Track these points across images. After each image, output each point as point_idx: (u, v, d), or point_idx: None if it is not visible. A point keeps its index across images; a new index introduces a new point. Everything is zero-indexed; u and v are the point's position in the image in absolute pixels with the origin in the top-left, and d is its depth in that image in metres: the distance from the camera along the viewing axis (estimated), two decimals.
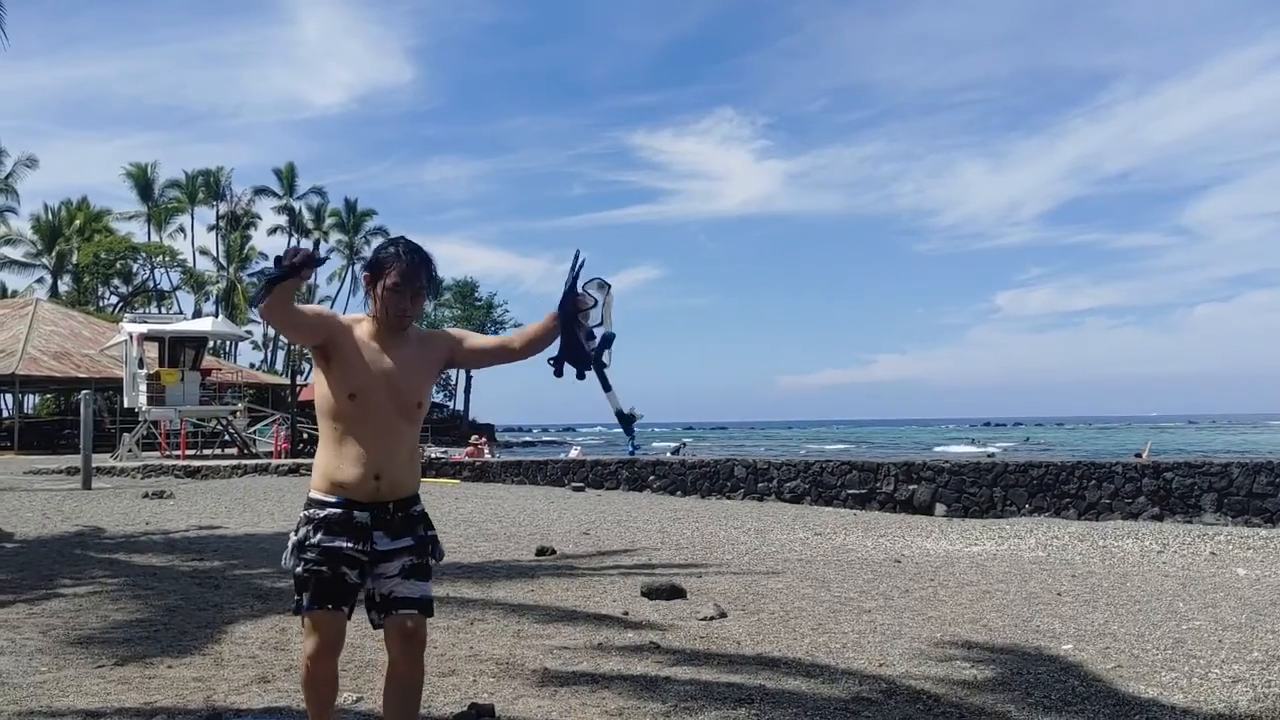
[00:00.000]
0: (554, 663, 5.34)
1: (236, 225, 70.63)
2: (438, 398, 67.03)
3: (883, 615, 7.00)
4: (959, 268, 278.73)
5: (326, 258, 3.00)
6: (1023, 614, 7.13)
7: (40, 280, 63.23)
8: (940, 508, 20.09)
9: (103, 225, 64.01)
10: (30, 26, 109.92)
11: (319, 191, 74.93)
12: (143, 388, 29.19)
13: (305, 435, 31.81)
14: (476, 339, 3.45)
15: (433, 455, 26.34)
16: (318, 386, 3.23)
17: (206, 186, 70.06)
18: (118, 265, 61.98)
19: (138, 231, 67.27)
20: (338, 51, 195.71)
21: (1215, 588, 8.56)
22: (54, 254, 62.71)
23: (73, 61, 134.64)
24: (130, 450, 28.49)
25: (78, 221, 62.96)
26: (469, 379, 69.19)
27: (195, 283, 66.89)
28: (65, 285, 62.78)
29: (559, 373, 3.36)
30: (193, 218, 71.07)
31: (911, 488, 20.59)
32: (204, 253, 70.89)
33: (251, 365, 57.17)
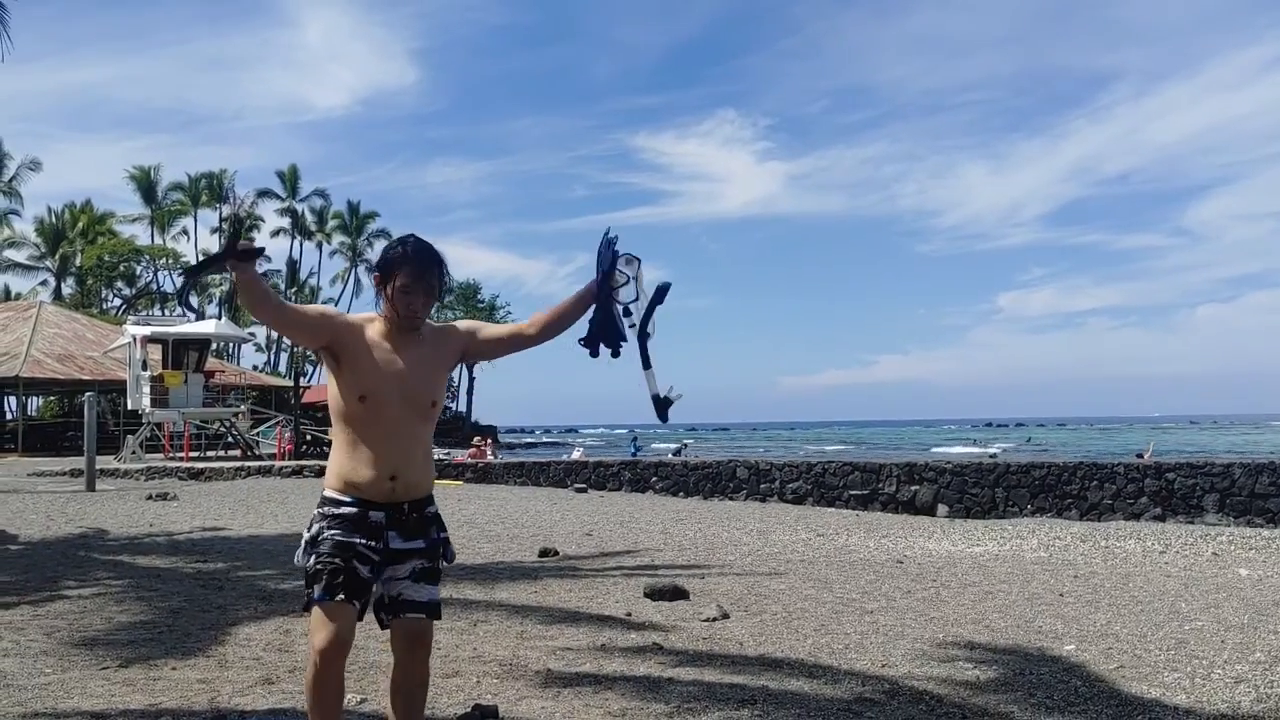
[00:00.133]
0: (557, 664, 5.35)
1: (239, 227, 70.64)
2: None
3: (885, 616, 7.00)
4: (961, 269, 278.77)
5: (260, 249, 2.94)
6: (1025, 615, 7.13)
7: (44, 283, 63.44)
8: (942, 508, 20.09)
9: (106, 228, 64.16)
10: (33, 29, 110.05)
11: (322, 194, 75.06)
12: (146, 390, 29.22)
13: (309, 437, 31.84)
14: (490, 329, 3.43)
15: (435, 456, 26.36)
16: (330, 389, 3.19)
17: (209, 189, 70.16)
18: (121, 268, 62.09)
19: (141, 234, 67.45)
20: (341, 54, 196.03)
21: (1218, 588, 8.56)
22: (58, 257, 62.85)
23: (76, 64, 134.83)
24: (134, 452, 28.53)
25: (81, 224, 63.11)
26: (471, 381, 69.22)
27: (198, 285, 66.98)
28: (69, 288, 62.94)
29: (595, 353, 3.32)
30: (196, 220, 71.19)
31: (914, 488, 20.60)
32: (206, 255, 70.91)
33: (255, 367, 57.27)
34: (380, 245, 4.06)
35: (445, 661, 5.28)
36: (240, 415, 32.53)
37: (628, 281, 3.32)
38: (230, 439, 32.83)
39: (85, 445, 20.56)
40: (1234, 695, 4.88)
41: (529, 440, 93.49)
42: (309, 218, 74.46)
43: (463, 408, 71.08)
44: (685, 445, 52.98)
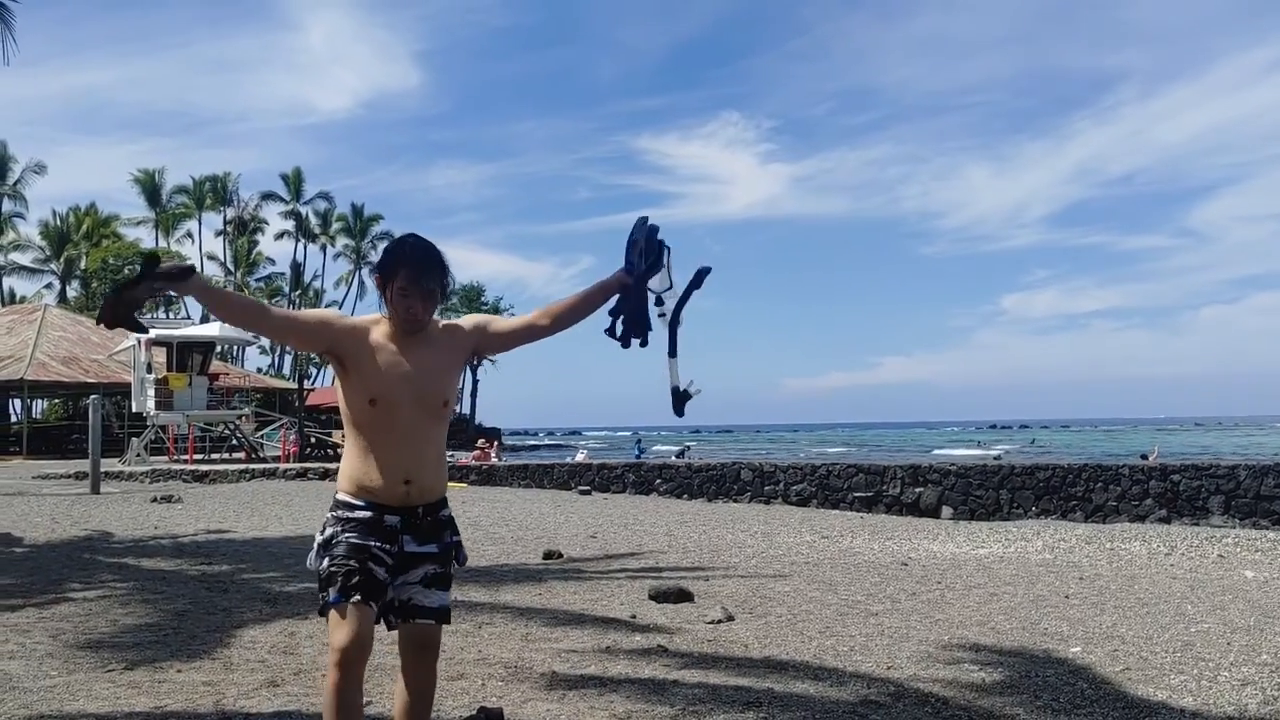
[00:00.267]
0: (562, 666, 5.34)
1: (244, 230, 70.81)
2: None
3: (890, 618, 6.99)
4: (965, 270, 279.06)
5: (188, 267, 2.94)
6: (1030, 616, 7.11)
7: (49, 286, 63.60)
8: (947, 510, 20.07)
9: (111, 231, 64.25)
10: (39, 33, 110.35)
11: (326, 196, 75.21)
12: (151, 392, 29.27)
13: (313, 439, 31.88)
14: (501, 322, 3.37)
15: None
16: (339, 393, 3.13)
17: (214, 192, 70.28)
18: (126, 270, 62.06)
19: (145, 237, 67.56)
20: (344, 57, 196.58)
21: (1223, 590, 8.54)
22: (62, 259, 62.99)
23: (81, 68, 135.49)
24: (138, 455, 28.57)
25: (86, 227, 63.23)
26: (475, 383, 69.23)
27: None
28: (74, 291, 62.99)
29: (627, 343, 3.30)
30: (200, 223, 71.42)
31: (918, 490, 20.58)
32: (211, 258, 71.10)
33: (259, 370, 57.33)
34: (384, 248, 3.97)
35: (450, 664, 5.27)
36: (245, 418, 32.57)
37: (660, 269, 3.29)
38: (235, 441, 32.87)
39: (90, 448, 20.59)
40: (1241, 698, 4.86)
41: (532, 443, 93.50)
42: (313, 220, 74.64)
43: (466, 410, 71.11)
44: (688, 447, 53.00)
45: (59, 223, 64.12)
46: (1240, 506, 18.38)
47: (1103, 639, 6.29)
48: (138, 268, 2.96)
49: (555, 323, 3.28)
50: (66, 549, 10.58)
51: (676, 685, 4.94)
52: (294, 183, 73.63)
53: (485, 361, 64.44)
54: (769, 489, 21.75)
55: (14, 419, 44.80)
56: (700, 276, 3.36)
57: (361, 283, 73.09)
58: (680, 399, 3.40)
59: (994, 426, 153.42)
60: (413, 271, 3.02)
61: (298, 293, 74.62)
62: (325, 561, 3.00)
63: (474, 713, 4.33)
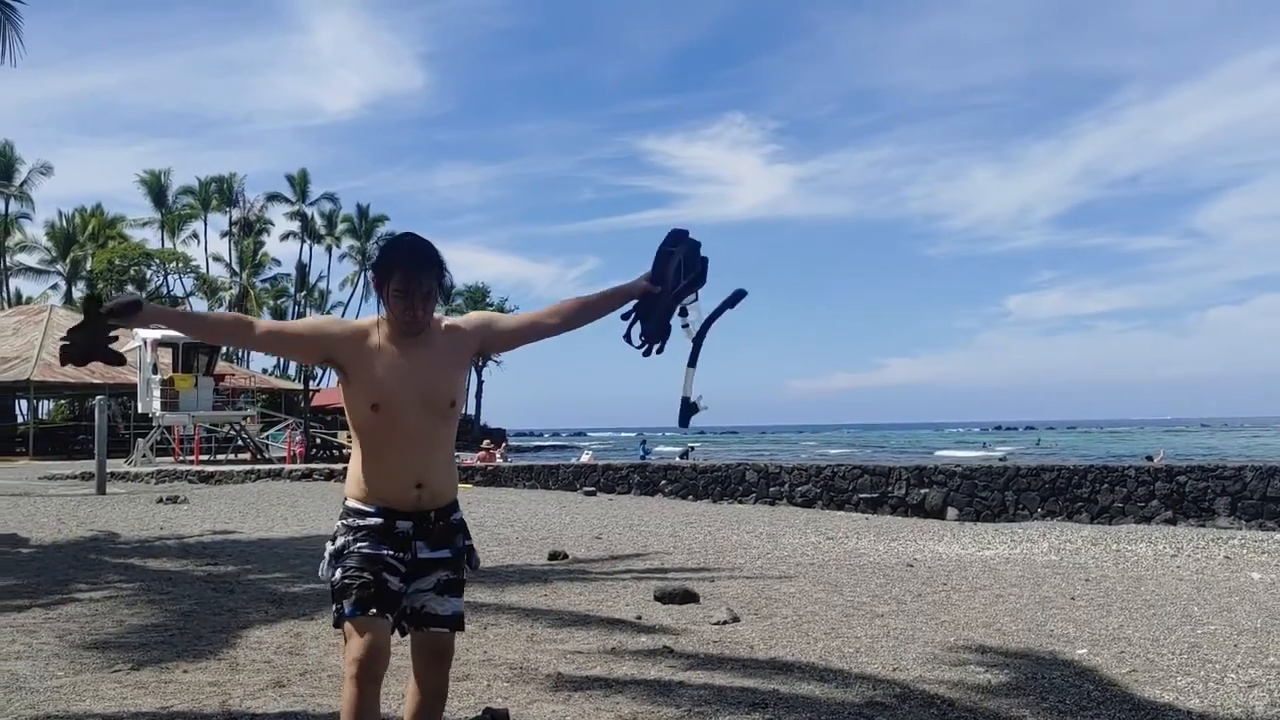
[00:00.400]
0: (567, 667, 5.34)
1: (249, 231, 70.93)
2: None
3: (896, 619, 6.98)
4: (970, 271, 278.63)
5: (131, 301, 2.88)
6: (1036, 618, 7.10)
7: (55, 286, 63.86)
8: (952, 511, 20.03)
9: (116, 232, 64.45)
10: (45, 34, 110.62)
11: (331, 197, 75.31)
12: (157, 393, 29.33)
13: (318, 440, 31.92)
14: (506, 320, 3.31)
15: None
16: (344, 399, 3.06)
17: (220, 193, 70.40)
18: (131, 271, 62.23)
19: (151, 238, 67.80)
20: (350, 58, 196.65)
21: (1230, 592, 8.52)
22: (68, 260, 63.19)
23: (87, 69, 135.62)
24: (144, 455, 28.63)
25: (92, 228, 63.42)
26: (480, 384, 69.26)
27: (208, 289, 67.21)
28: (80, 291, 63.11)
29: (648, 352, 3.29)
30: (206, 224, 71.56)
31: (923, 491, 20.53)
32: (217, 259, 71.28)
33: (264, 371, 57.36)
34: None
35: (456, 665, 5.22)
36: (250, 419, 32.62)
37: (702, 284, 3.30)
38: (240, 442, 32.93)
39: (96, 449, 20.65)
40: (1248, 700, 4.85)
41: (537, 443, 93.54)
42: (318, 221, 74.73)
43: (471, 410, 71.16)
44: (692, 448, 52.94)
45: (65, 224, 64.36)
46: (1247, 508, 18.31)
47: (1109, 641, 6.28)
48: (81, 314, 2.92)
49: (565, 322, 3.22)
50: (73, 549, 10.60)
51: (682, 686, 4.94)
52: (299, 184, 73.73)
53: (490, 362, 64.54)
54: (774, 490, 21.72)
55: (20, 420, 44.91)
56: (736, 298, 3.38)
57: (367, 284, 73.02)
58: (688, 409, 3.41)
59: (999, 428, 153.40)
60: (409, 271, 2.92)
61: (303, 294, 74.76)
62: (338, 573, 2.92)
63: (480, 713, 4.34)
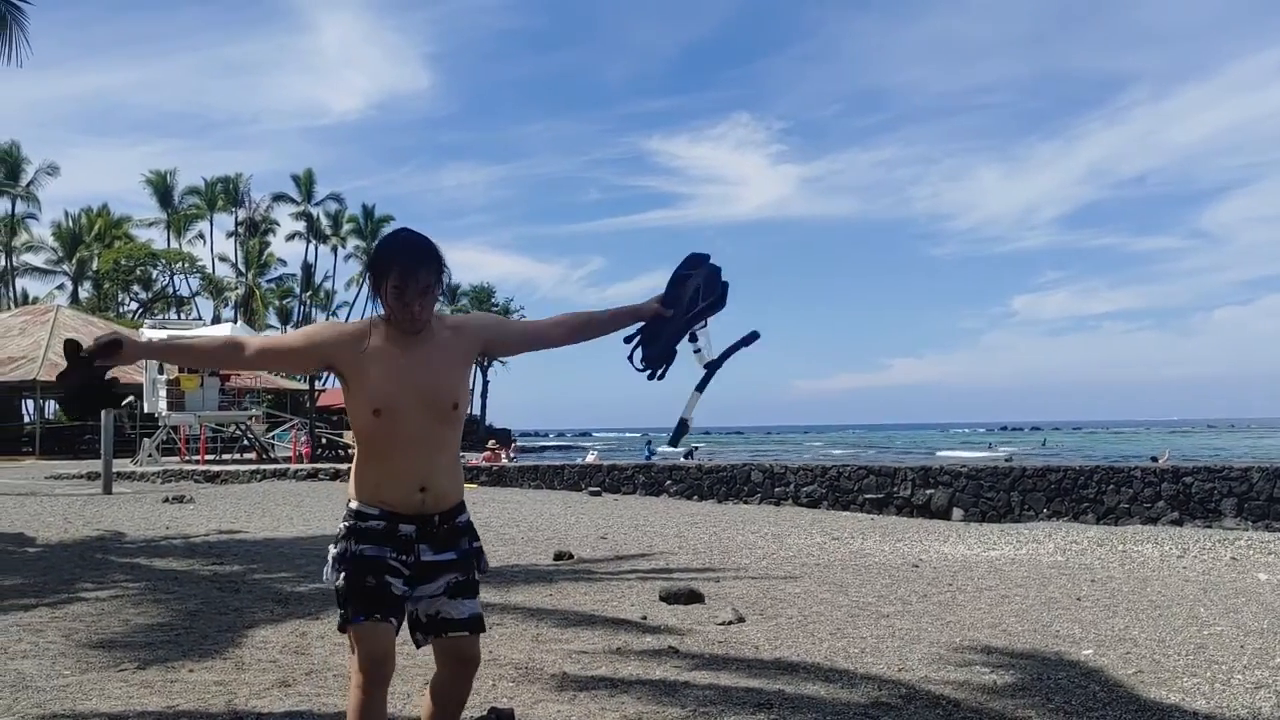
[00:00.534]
0: (573, 667, 5.34)
1: (255, 231, 71.08)
2: None
3: (901, 620, 6.98)
4: (975, 272, 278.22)
5: (111, 341, 2.82)
6: (1042, 619, 7.09)
7: (61, 287, 64.00)
8: (958, 512, 20.00)
9: (123, 232, 64.62)
10: (52, 35, 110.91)
11: (337, 198, 75.46)
12: (162, 393, 29.39)
13: (324, 440, 31.96)
14: (512, 326, 3.30)
15: None
16: (345, 403, 3.00)
17: (225, 193, 70.54)
18: (137, 271, 62.48)
19: (157, 238, 67.97)
20: (356, 59, 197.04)
21: (1236, 593, 8.50)
22: (75, 261, 63.35)
23: (93, 70, 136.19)
24: (150, 455, 28.70)
25: (98, 228, 63.58)
26: (485, 384, 69.33)
27: (214, 289, 67.39)
28: (86, 291, 63.41)
29: (652, 375, 3.31)
30: (211, 224, 71.72)
31: (929, 492, 20.51)
32: (223, 259, 71.46)
33: (270, 371, 57.44)
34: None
35: None
36: (256, 419, 32.67)
37: (721, 309, 3.32)
38: (246, 442, 32.99)
39: (102, 448, 20.70)
40: (1254, 701, 4.84)
41: (542, 444, 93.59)
42: (324, 221, 74.89)
43: (477, 411, 71.24)
44: (696, 448, 52.90)
45: (71, 224, 64.49)
46: (1253, 509, 18.27)
47: (1115, 641, 6.27)
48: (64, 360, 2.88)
49: (569, 336, 3.21)
50: (79, 549, 10.62)
51: (687, 686, 4.94)
52: (305, 184, 73.87)
53: (496, 362, 64.63)
54: (779, 490, 21.70)
55: (27, 419, 44.99)
56: (750, 338, 3.40)
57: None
58: (681, 430, 3.46)
59: (1005, 428, 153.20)
60: (406, 266, 2.84)
61: (308, 294, 74.88)
62: (341, 577, 2.89)
63: (485, 713, 4.33)
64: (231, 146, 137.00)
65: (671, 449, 39.90)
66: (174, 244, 68.10)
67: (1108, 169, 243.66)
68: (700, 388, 3.41)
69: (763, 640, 6.19)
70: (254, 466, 25.87)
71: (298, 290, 74.41)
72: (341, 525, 2.97)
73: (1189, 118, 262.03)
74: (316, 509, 16.16)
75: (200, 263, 68.06)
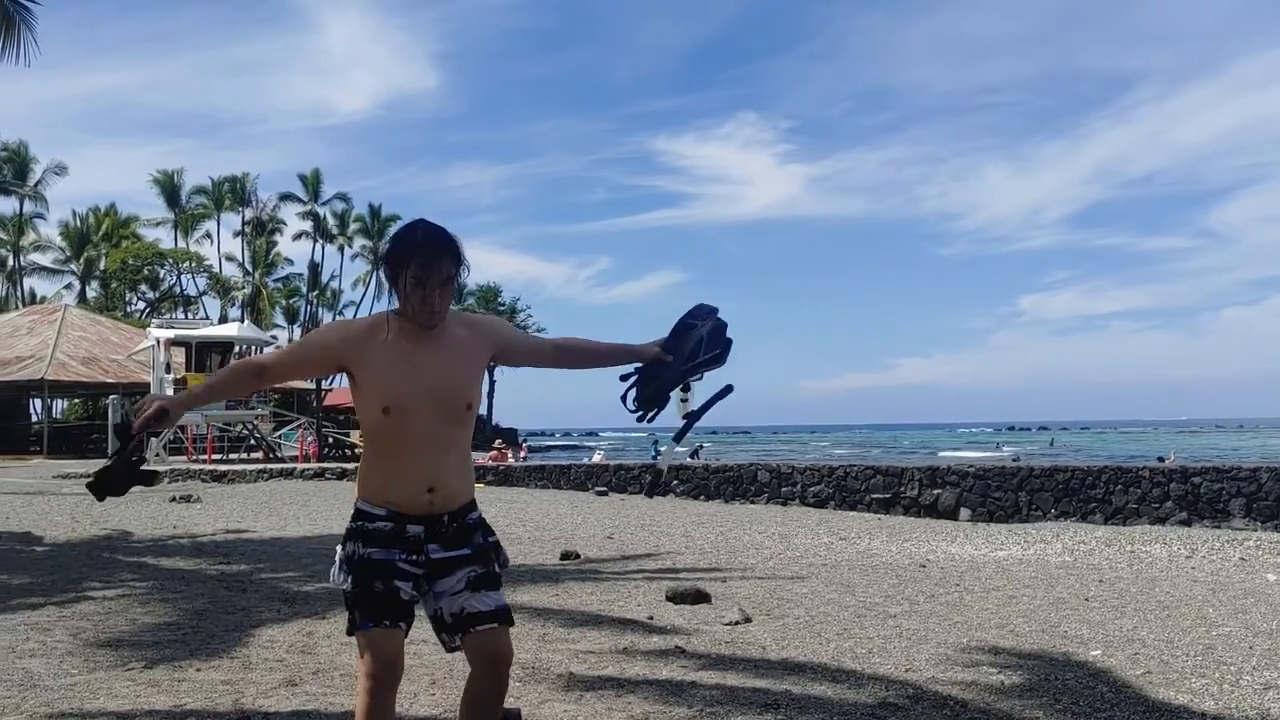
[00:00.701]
0: (579, 667, 5.34)
1: (262, 231, 71.21)
2: None
3: (908, 620, 6.96)
4: (982, 271, 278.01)
5: (153, 416, 2.75)
6: (1050, 619, 7.07)
7: (69, 286, 64.25)
8: (965, 512, 19.98)
9: (130, 232, 64.85)
10: (59, 35, 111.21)
11: (344, 197, 75.63)
12: (169, 393, 29.43)
13: (331, 440, 32.01)
14: (523, 341, 3.27)
15: None
16: (354, 401, 2.94)
17: (233, 193, 70.71)
18: (145, 271, 62.65)
19: (164, 238, 68.21)
20: (363, 58, 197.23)
21: (1245, 593, 8.46)
22: (82, 260, 63.54)
23: (100, 70, 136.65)
24: (157, 455, 28.75)
25: (105, 228, 63.79)
26: (492, 383, 69.36)
27: (221, 288, 67.51)
28: (93, 291, 63.53)
29: (642, 418, 3.34)
30: (219, 224, 71.95)
31: (936, 492, 20.49)
32: (230, 259, 71.64)
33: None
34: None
35: (463, 665, 5.27)
36: (262, 418, 32.73)
37: (722, 365, 3.34)
38: (253, 441, 33.06)
39: (109, 447, 20.73)
40: (1263, 702, 4.82)
41: (549, 443, 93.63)
42: (331, 221, 75.04)
43: (485, 410, 71.34)
44: (701, 448, 52.87)
45: (79, 223, 64.72)
46: (1262, 509, 18.22)
47: (1123, 642, 6.24)
48: (116, 442, 2.87)
49: (568, 361, 3.26)
50: (86, 548, 10.65)
51: (694, 686, 4.93)
52: (312, 184, 74.04)
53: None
54: (786, 490, 21.70)
55: (34, 418, 45.13)
56: (725, 392, 3.43)
57: (379, 283, 73.35)
58: (657, 478, 3.55)
59: (1012, 428, 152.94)
60: (427, 256, 2.76)
61: (315, 293, 75.01)
62: (349, 581, 2.85)
63: None
64: (238, 146, 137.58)
65: (659, 453, 40.02)
66: (181, 243, 68.35)
67: (1115, 168, 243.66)
68: (677, 438, 3.49)
69: (769, 640, 6.18)
70: (261, 466, 25.92)
71: (304, 290, 74.57)
72: (349, 525, 2.94)
73: (1196, 117, 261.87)
74: (323, 508, 16.19)
75: (207, 262, 68.27)
